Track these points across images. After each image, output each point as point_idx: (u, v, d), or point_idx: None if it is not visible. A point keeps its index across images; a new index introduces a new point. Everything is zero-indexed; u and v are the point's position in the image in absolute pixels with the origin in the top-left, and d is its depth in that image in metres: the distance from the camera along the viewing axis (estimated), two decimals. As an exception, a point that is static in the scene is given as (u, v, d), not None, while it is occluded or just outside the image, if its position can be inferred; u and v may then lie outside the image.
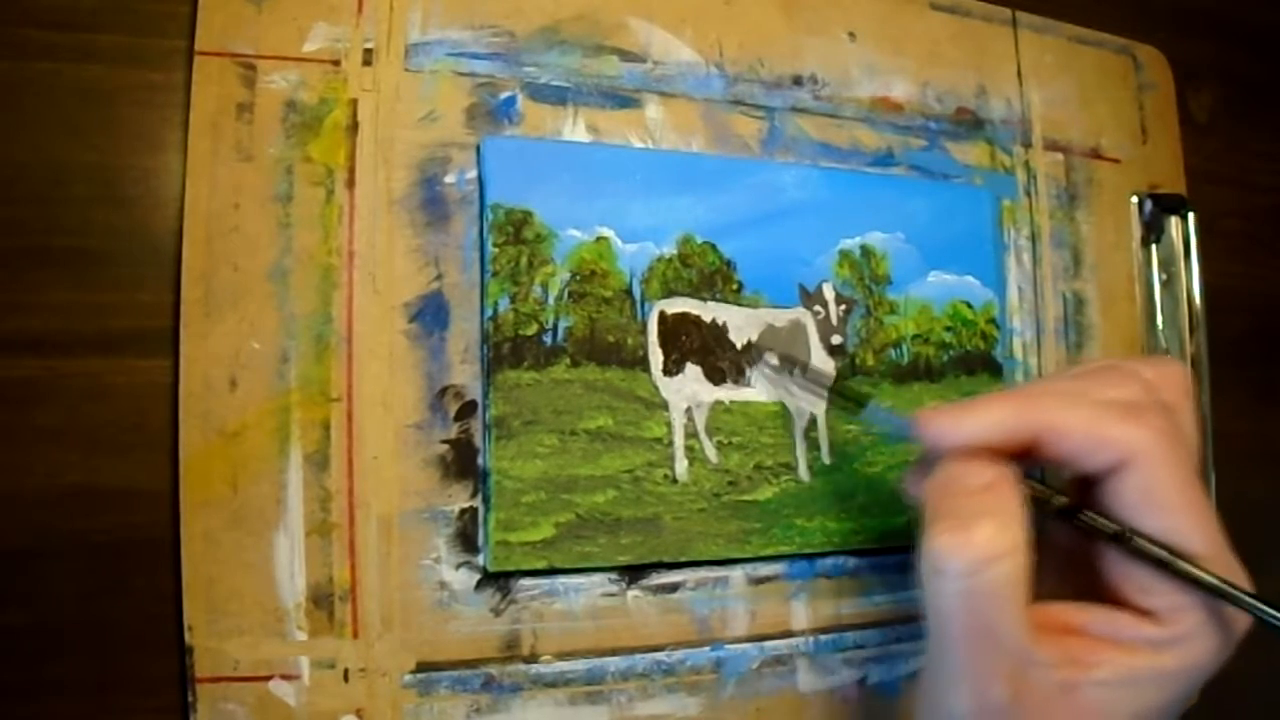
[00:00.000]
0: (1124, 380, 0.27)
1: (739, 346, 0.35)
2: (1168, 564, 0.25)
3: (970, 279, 0.39)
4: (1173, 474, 0.25)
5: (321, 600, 0.30)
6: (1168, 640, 0.25)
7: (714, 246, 0.35)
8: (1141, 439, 0.25)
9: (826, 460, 0.36)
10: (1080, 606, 0.26)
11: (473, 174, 0.33)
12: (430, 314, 0.32)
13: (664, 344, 0.34)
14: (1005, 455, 0.26)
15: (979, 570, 0.23)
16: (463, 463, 0.32)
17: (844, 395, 0.35)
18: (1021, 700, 0.24)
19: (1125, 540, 0.26)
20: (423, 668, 0.31)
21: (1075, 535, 0.28)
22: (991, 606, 0.24)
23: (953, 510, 0.25)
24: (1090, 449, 0.25)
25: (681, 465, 0.34)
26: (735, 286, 0.35)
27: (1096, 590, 0.27)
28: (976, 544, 0.24)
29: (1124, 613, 0.26)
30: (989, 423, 0.26)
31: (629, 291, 0.34)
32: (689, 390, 0.34)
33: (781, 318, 0.36)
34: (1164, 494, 0.25)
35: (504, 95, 0.34)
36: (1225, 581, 0.24)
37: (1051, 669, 0.25)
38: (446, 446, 0.32)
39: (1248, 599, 0.24)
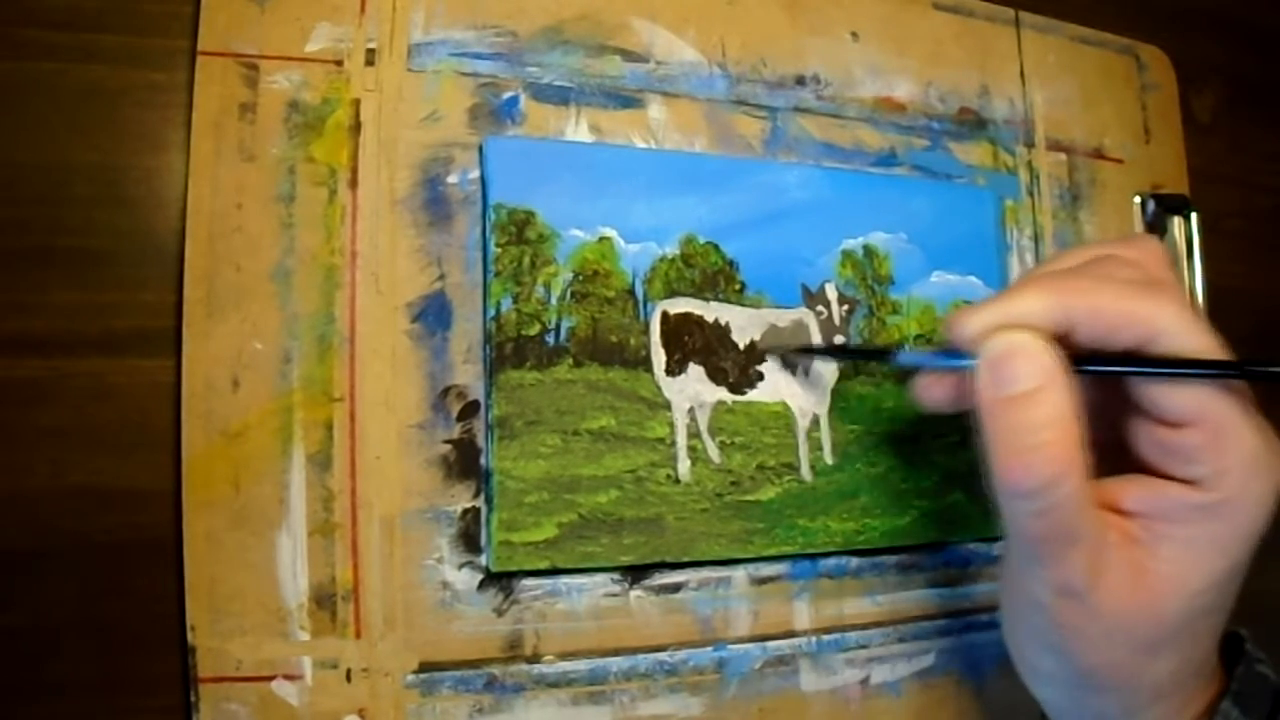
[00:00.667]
0: (1122, 264, 0.27)
1: (741, 347, 0.35)
2: (1187, 364, 0.25)
3: (973, 279, 0.39)
4: (1200, 342, 0.25)
5: (324, 600, 0.30)
6: (1218, 504, 0.25)
7: (717, 246, 0.35)
8: (1167, 311, 0.25)
9: (829, 460, 0.36)
10: (1128, 481, 0.27)
11: (475, 174, 0.33)
12: (433, 314, 0.32)
13: (667, 344, 0.34)
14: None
15: (1048, 492, 0.24)
16: (465, 463, 0.32)
17: (868, 355, 0.35)
18: (1098, 581, 0.25)
19: (1140, 357, 0.26)
20: (425, 668, 0.31)
21: (1107, 416, 0.28)
22: (1065, 515, 0.24)
23: (1012, 431, 0.25)
24: (1122, 325, 0.25)
25: (684, 465, 0.34)
26: (738, 286, 0.35)
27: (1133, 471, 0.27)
28: (1041, 471, 0.24)
29: (1170, 484, 0.26)
30: (1026, 315, 0.26)
31: (631, 291, 0.34)
32: (691, 390, 0.34)
33: (784, 318, 0.36)
34: (1196, 352, 0.25)
35: (507, 95, 0.34)
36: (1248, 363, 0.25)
37: (1121, 550, 0.25)
38: (449, 447, 0.32)
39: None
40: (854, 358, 0.37)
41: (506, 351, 0.32)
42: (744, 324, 0.35)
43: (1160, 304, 0.25)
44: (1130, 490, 0.26)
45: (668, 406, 0.34)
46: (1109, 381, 0.28)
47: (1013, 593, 0.28)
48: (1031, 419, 0.25)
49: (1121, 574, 0.25)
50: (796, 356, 0.36)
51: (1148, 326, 0.25)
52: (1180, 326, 0.25)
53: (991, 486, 0.25)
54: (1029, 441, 0.24)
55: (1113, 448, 0.27)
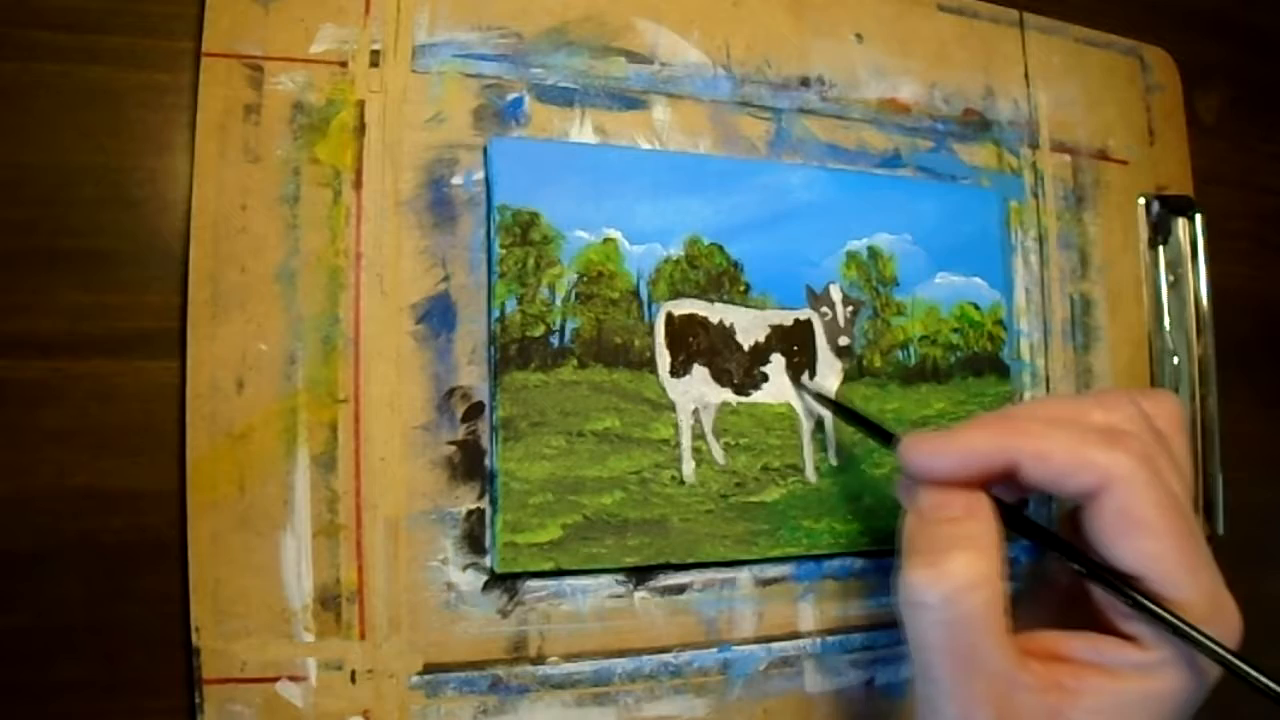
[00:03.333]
0: (1114, 404, 0.27)
1: (746, 348, 0.35)
2: (1124, 595, 0.25)
3: (978, 280, 0.39)
4: (1152, 499, 0.24)
5: (329, 601, 0.30)
6: (1152, 664, 0.25)
7: (721, 248, 0.35)
8: (1121, 463, 0.25)
9: (834, 462, 0.36)
10: (1069, 634, 0.26)
11: (480, 175, 0.33)
12: (437, 315, 0.32)
13: (671, 345, 0.34)
14: (987, 479, 0.27)
15: (954, 602, 0.24)
16: (470, 464, 0.32)
17: (870, 427, 0.34)
18: None
19: (1084, 573, 0.26)
20: (430, 669, 0.31)
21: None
22: (970, 635, 0.24)
23: (928, 541, 0.25)
24: (1069, 472, 0.25)
25: (689, 466, 0.34)
26: (742, 288, 0.35)
27: (1094, 621, 0.27)
28: (950, 576, 0.24)
29: (1109, 638, 0.26)
30: (970, 451, 0.26)
31: (636, 293, 0.34)
32: (696, 391, 0.34)
33: (789, 319, 0.36)
34: (1142, 518, 0.25)
35: (511, 96, 0.34)
36: (1183, 620, 0.24)
37: (1038, 694, 0.25)
38: (454, 448, 0.32)
39: (1207, 641, 0.24)
40: (860, 425, 0.35)
41: (511, 353, 0.32)
42: (748, 325, 0.35)
43: (1117, 454, 0.25)
44: (1072, 642, 0.26)
45: (672, 408, 0.34)
46: (1075, 527, 0.27)
47: None
48: (951, 531, 0.25)
49: (1034, 719, 0.24)
50: (803, 363, 0.36)
51: (1097, 476, 0.25)
52: (1130, 484, 0.24)
53: (898, 600, 0.25)
54: (943, 547, 0.25)
55: (1078, 599, 0.27)
